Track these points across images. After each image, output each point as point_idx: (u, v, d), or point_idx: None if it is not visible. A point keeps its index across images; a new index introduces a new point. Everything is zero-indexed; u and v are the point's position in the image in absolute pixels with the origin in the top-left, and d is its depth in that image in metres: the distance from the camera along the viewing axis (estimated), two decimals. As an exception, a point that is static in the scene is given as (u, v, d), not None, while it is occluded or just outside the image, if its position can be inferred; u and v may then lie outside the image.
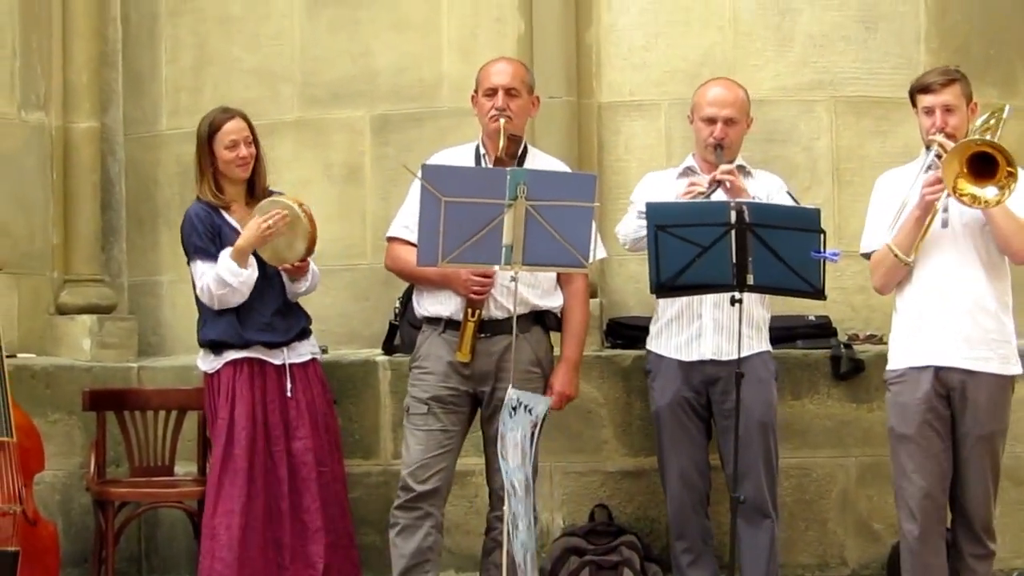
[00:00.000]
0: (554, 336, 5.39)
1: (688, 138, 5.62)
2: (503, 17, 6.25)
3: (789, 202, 5.44)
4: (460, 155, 5.33)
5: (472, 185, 4.74)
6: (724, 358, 5.30)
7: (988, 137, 4.97)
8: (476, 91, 5.33)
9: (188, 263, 5.53)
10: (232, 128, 5.47)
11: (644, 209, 5.07)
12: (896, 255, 4.96)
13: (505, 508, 4.58)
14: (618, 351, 6.02)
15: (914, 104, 5.16)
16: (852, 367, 5.91)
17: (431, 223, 4.67)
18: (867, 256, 5.23)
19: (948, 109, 5.05)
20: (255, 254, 5.42)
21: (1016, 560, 5.95)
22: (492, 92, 5.23)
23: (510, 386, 4.68)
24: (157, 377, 6.38)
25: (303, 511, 5.46)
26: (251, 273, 5.39)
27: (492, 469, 5.19)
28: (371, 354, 6.14)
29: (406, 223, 5.28)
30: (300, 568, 5.44)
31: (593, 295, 5.79)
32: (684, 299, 5.33)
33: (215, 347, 5.49)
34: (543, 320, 5.32)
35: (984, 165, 4.78)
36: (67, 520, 6.14)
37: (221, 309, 5.43)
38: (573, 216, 4.72)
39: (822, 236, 4.82)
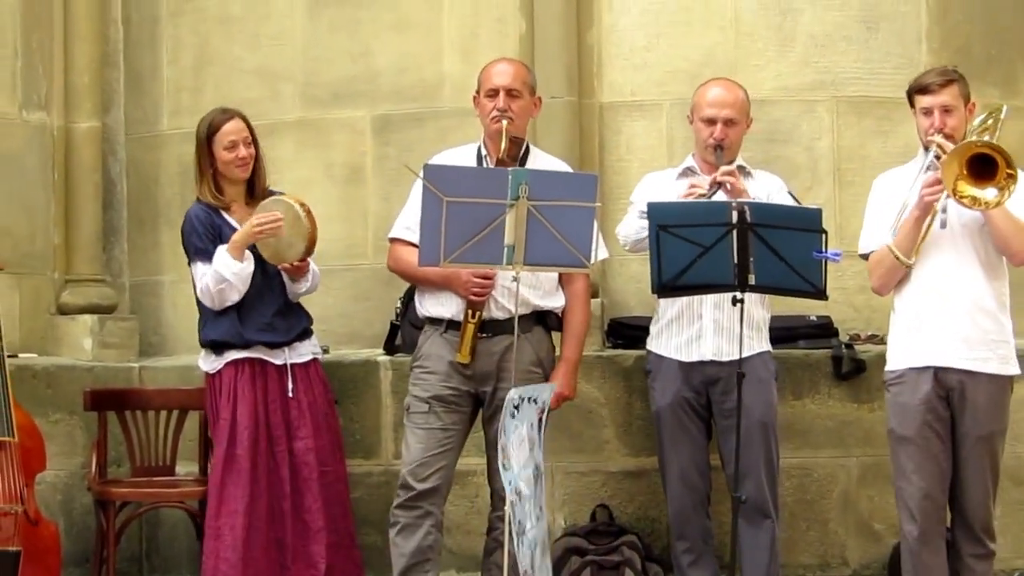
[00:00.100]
0: (555, 336, 5.39)
1: (689, 138, 5.62)
2: (504, 17, 6.25)
3: (790, 202, 5.44)
4: (462, 156, 5.33)
5: (474, 185, 4.74)
6: (724, 359, 5.30)
7: (987, 138, 4.97)
8: (478, 92, 5.33)
9: (188, 264, 5.54)
10: (231, 129, 5.47)
11: (645, 209, 5.07)
12: (897, 257, 4.96)
13: (507, 514, 4.57)
14: (619, 351, 6.02)
15: (912, 105, 5.16)
16: (853, 367, 5.91)
17: (433, 223, 4.67)
18: (865, 257, 5.23)
19: (946, 110, 5.05)
20: (256, 254, 5.43)
21: (1017, 560, 5.95)
22: (494, 93, 5.23)
23: (512, 389, 4.68)
24: (158, 377, 6.38)
25: (304, 511, 5.46)
26: (246, 266, 5.39)
27: (493, 469, 5.19)
28: (372, 354, 6.14)
29: (408, 224, 5.28)
30: (302, 568, 5.44)
31: (594, 295, 5.79)
32: (684, 300, 5.33)
33: (216, 347, 5.49)
34: (545, 320, 5.32)
35: (984, 167, 4.78)
36: (68, 520, 6.14)
37: (222, 309, 5.43)
38: (575, 216, 4.72)
39: (823, 236, 4.82)
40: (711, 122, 5.40)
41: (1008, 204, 4.84)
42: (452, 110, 6.20)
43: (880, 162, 5.81)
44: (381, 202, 6.30)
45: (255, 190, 5.55)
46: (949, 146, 4.92)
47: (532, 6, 6.18)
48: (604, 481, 5.97)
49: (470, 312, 5.18)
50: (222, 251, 5.37)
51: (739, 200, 5.01)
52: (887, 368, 5.19)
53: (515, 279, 4.81)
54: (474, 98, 5.36)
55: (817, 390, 5.95)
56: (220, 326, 5.47)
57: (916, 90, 5.13)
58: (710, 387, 5.37)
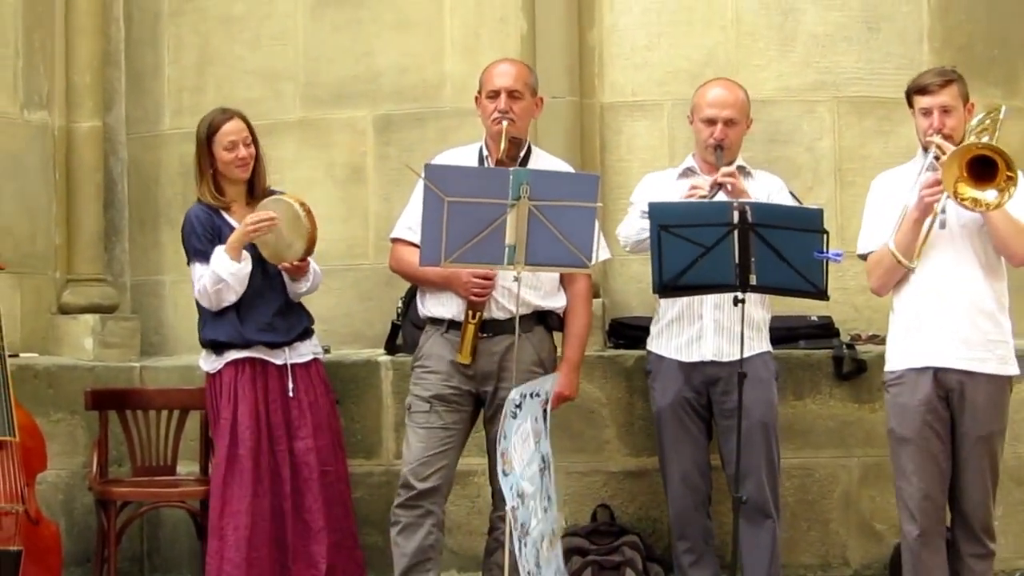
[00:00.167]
0: (557, 336, 5.38)
1: (691, 138, 5.62)
2: (506, 17, 6.25)
3: (790, 202, 5.44)
4: (464, 156, 5.33)
5: (475, 185, 4.74)
6: (725, 359, 5.30)
7: (985, 138, 4.97)
8: (479, 92, 5.33)
9: (187, 264, 5.54)
10: (230, 129, 5.47)
11: (646, 209, 5.07)
12: (899, 260, 4.94)
13: (508, 523, 4.57)
14: (620, 351, 6.02)
15: (911, 105, 5.16)
16: (854, 367, 5.91)
17: (434, 223, 4.67)
18: (864, 257, 5.23)
19: (945, 110, 5.04)
20: (256, 254, 5.43)
21: (1019, 560, 5.95)
22: (495, 94, 5.23)
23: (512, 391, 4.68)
24: (159, 377, 6.38)
25: (305, 511, 5.46)
26: (244, 266, 5.39)
27: (494, 469, 5.18)
28: (373, 354, 6.14)
29: (410, 224, 5.28)
30: (303, 568, 5.44)
31: (595, 295, 5.80)
32: (685, 300, 5.32)
33: (216, 347, 5.50)
34: (546, 320, 5.32)
35: (984, 168, 4.77)
36: (69, 520, 6.14)
37: (221, 309, 5.43)
38: (576, 216, 4.72)
39: (825, 236, 4.82)
40: (711, 122, 5.40)
41: (1007, 205, 4.83)
42: (453, 110, 6.20)
43: (881, 162, 5.81)
44: (382, 202, 6.30)
45: (255, 190, 5.54)
46: (948, 147, 4.91)
47: (533, 6, 6.18)
48: (605, 481, 5.97)
49: (470, 313, 5.18)
50: (219, 251, 5.38)
51: (740, 200, 5.01)
52: (886, 369, 5.19)
53: (516, 279, 4.81)
54: (476, 99, 5.36)
55: (818, 390, 5.95)
56: (219, 326, 5.47)
57: (915, 90, 5.13)
58: (711, 387, 5.36)
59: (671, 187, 5.47)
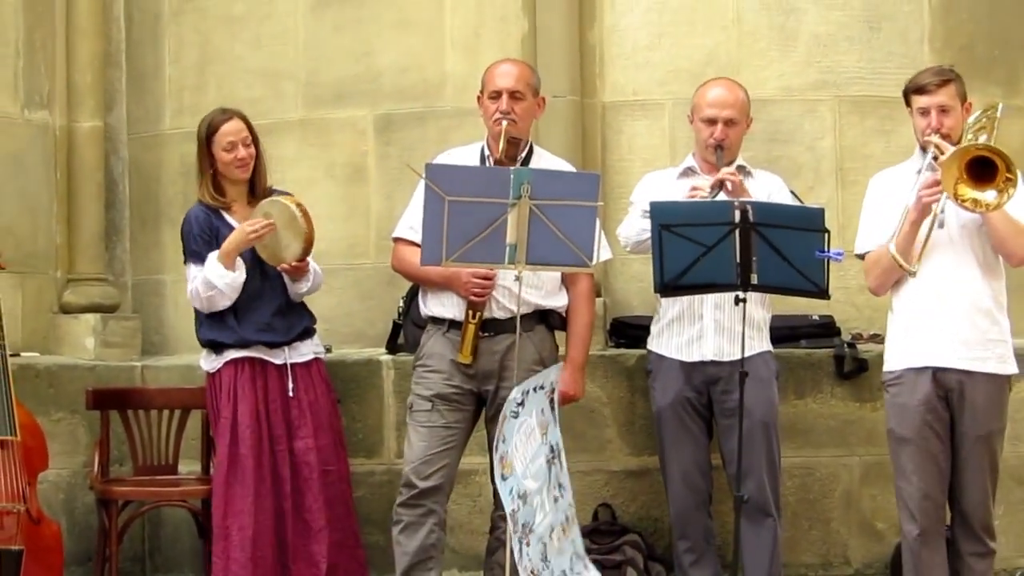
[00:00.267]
0: (558, 336, 5.38)
1: (692, 138, 5.62)
2: (507, 16, 6.25)
3: (791, 201, 5.44)
4: (465, 155, 5.33)
5: (476, 184, 4.74)
6: (725, 359, 5.30)
7: (983, 136, 4.97)
8: (481, 92, 5.33)
9: (184, 264, 5.55)
10: (229, 129, 5.46)
11: (647, 209, 5.07)
12: (900, 265, 4.93)
13: (508, 521, 4.57)
14: (622, 350, 6.03)
15: (908, 104, 5.15)
16: (855, 366, 5.92)
17: (435, 222, 4.67)
18: (862, 257, 5.22)
19: (943, 110, 5.04)
20: (255, 254, 5.43)
21: (1020, 559, 5.95)
22: (496, 95, 5.22)
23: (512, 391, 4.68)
24: (160, 376, 6.39)
25: (305, 510, 5.46)
26: (237, 276, 5.39)
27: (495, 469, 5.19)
28: (375, 353, 6.15)
29: (412, 223, 5.27)
30: (303, 568, 5.44)
31: (597, 294, 5.79)
32: (685, 300, 5.32)
33: (215, 346, 5.50)
34: (547, 319, 5.32)
35: (983, 169, 4.76)
36: (71, 519, 6.14)
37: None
38: (577, 215, 4.72)
39: (826, 236, 4.82)
40: (711, 122, 5.39)
41: (1007, 206, 4.83)
42: (454, 110, 6.20)
43: (883, 161, 5.80)
44: (383, 201, 6.30)
45: (256, 190, 5.54)
46: (947, 146, 4.91)
47: (534, 5, 6.18)
48: (606, 480, 5.97)
49: (471, 312, 5.18)
50: (213, 259, 5.38)
51: (741, 199, 5.01)
52: (885, 369, 5.18)
53: (517, 278, 4.81)
54: (478, 98, 5.36)
55: (819, 389, 5.95)
56: (216, 326, 5.47)
57: (913, 90, 5.12)
58: (711, 386, 5.36)
59: (671, 187, 5.47)
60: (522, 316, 4.93)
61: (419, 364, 5.34)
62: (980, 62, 6.23)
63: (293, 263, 5.42)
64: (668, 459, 5.45)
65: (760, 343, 5.39)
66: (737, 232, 4.86)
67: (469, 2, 6.29)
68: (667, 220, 4.92)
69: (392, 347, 6.09)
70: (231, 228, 5.44)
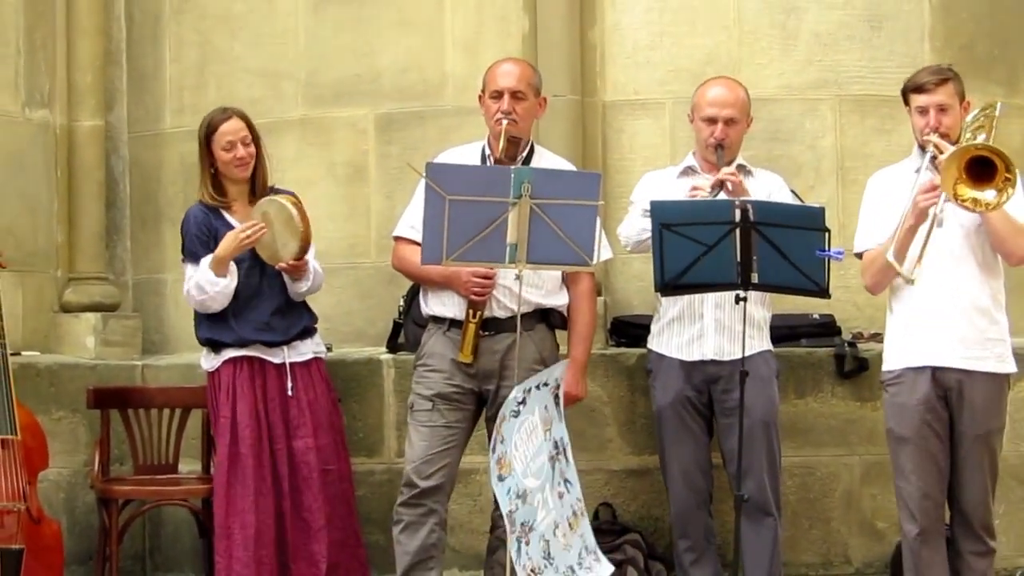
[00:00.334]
0: (559, 335, 5.38)
1: (693, 137, 5.61)
2: (507, 15, 6.25)
3: (791, 200, 5.44)
4: (466, 154, 5.33)
5: (476, 183, 4.74)
6: (726, 358, 5.30)
7: (982, 135, 4.98)
8: (483, 91, 5.32)
9: (182, 262, 5.56)
10: (228, 129, 5.46)
11: (648, 208, 5.07)
12: (899, 273, 4.92)
13: (505, 522, 4.57)
14: (622, 349, 6.02)
15: (906, 103, 5.15)
16: (856, 365, 5.91)
17: (435, 221, 4.67)
18: (860, 256, 5.22)
19: (942, 109, 5.03)
20: (254, 254, 5.42)
21: (1021, 558, 5.94)
22: (498, 95, 5.22)
23: (513, 390, 4.68)
24: (161, 375, 6.39)
25: (304, 510, 5.46)
26: (229, 283, 5.39)
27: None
28: (375, 352, 6.14)
29: (412, 223, 5.27)
30: (303, 567, 5.44)
31: (597, 293, 5.78)
32: (686, 299, 5.32)
33: (214, 345, 5.50)
34: (548, 318, 5.32)
35: (982, 168, 4.76)
36: (71, 518, 6.14)
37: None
38: (577, 214, 4.72)
39: (827, 235, 4.82)
40: (712, 121, 5.39)
41: (1006, 205, 4.83)
42: (455, 109, 6.20)
43: (883, 160, 5.80)
44: (384, 200, 6.30)
45: (257, 189, 5.54)
46: (945, 145, 4.91)
47: (535, 4, 6.18)
48: (607, 479, 5.97)
49: (471, 312, 5.18)
50: (205, 264, 5.38)
51: (742, 198, 5.01)
52: (884, 368, 5.18)
53: (517, 277, 4.80)
54: (479, 98, 5.35)
55: (820, 388, 5.95)
56: (214, 325, 5.48)
57: (911, 89, 5.12)
58: (711, 385, 5.36)
59: (671, 186, 5.47)
60: (523, 315, 4.93)
61: (420, 364, 5.33)
62: (981, 61, 6.23)
63: (291, 262, 5.42)
64: (668, 458, 5.45)
65: (760, 342, 5.39)
66: (738, 231, 4.86)
67: (470, 1, 6.29)
68: (668, 219, 4.92)
69: (393, 346, 6.09)
70: (230, 227, 5.44)
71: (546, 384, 4.72)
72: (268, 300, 5.50)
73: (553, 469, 4.69)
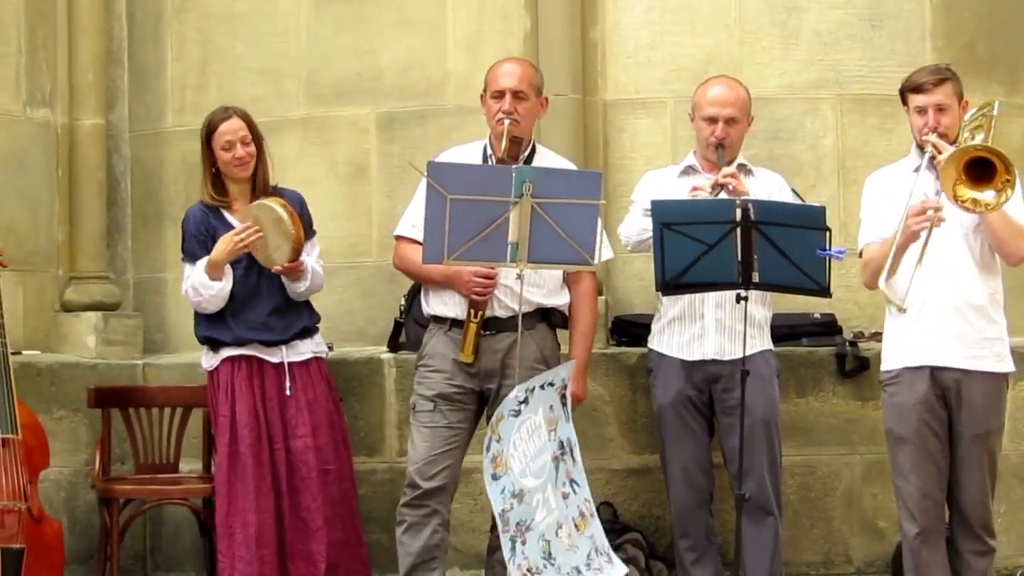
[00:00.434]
0: (560, 334, 5.38)
1: (694, 136, 5.61)
2: (509, 15, 6.25)
3: (792, 199, 5.44)
4: (468, 153, 5.33)
5: (478, 182, 4.74)
6: (726, 357, 5.30)
7: (980, 135, 4.98)
8: (484, 91, 5.32)
9: (181, 261, 5.57)
10: (228, 128, 5.46)
11: (649, 207, 5.07)
12: (890, 301, 4.91)
13: (498, 521, 4.57)
14: (623, 349, 6.03)
15: (905, 103, 5.15)
16: (857, 365, 5.92)
17: (437, 220, 4.67)
18: (862, 254, 5.23)
19: (940, 108, 5.03)
20: (250, 255, 5.43)
21: (1021, 557, 5.95)
22: (499, 95, 5.22)
23: (514, 389, 4.68)
24: (162, 374, 6.39)
25: (303, 509, 5.46)
26: (224, 286, 5.40)
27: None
28: (376, 352, 6.15)
29: (414, 222, 5.27)
30: (302, 567, 5.43)
31: (598, 293, 5.78)
32: (686, 299, 5.32)
33: (212, 344, 5.51)
34: (549, 317, 5.31)
35: (982, 169, 4.76)
36: (72, 517, 6.14)
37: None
38: (579, 213, 4.72)
39: (827, 234, 4.82)
40: (712, 121, 5.39)
41: (1005, 206, 4.82)
42: (456, 108, 6.20)
43: (884, 160, 5.79)
44: (385, 199, 6.30)
45: (258, 189, 5.54)
46: (944, 145, 4.90)
47: (536, 4, 6.18)
48: (608, 479, 5.97)
49: (472, 311, 5.18)
50: (200, 268, 5.39)
51: (743, 198, 5.01)
52: (883, 368, 5.17)
53: (519, 277, 4.80)
54: (481, 97, 5.35)
55: (821, 388, 5.95)
56: (212, 324, 5.49)
57: (909, 89, 5.11)
58: (712, 384, 5.36)
59: (672, 185, 5.47)
60: (524, 314, 4.93)
61: (421, 364, 5.33)
62: (982, 60, 6.23)
63: (285, 264, 5.41)
64: (669, 457, 5.45)
65: (761, 341, 5.39)
66: (738, 230, 4.86)
67: (471, 1, 6.29)
68: (668, 218, 4.92)
69: (394, 345, 6.09)
70: (230, 227, 5.44)
71: (551, 384, 4.72)
72: (266, 300, 5.50)
73: (556, 469, 4.69)
